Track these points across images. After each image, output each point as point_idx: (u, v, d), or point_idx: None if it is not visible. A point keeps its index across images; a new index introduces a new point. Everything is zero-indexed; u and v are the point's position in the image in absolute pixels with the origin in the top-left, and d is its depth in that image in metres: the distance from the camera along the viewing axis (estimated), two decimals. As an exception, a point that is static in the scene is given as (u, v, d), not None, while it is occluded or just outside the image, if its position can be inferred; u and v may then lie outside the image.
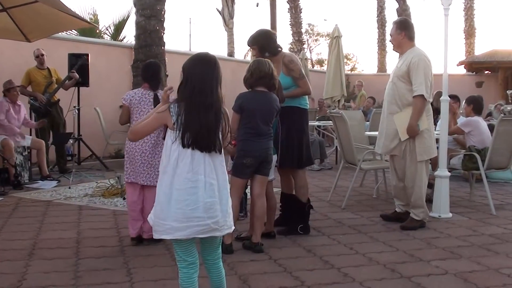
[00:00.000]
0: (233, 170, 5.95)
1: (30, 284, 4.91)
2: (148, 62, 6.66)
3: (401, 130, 6.94)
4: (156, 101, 6.16)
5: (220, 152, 3.76)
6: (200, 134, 3.62)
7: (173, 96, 3.92)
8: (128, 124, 6.41)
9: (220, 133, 3.74)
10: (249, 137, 5.83)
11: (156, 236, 3.75)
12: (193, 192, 3.61)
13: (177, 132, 3.63)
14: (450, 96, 8.33)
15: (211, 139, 3.65)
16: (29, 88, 11.41)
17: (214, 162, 3.72)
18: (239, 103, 5.85)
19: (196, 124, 3.61)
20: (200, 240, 3.80)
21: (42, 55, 11.53)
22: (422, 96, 6.79)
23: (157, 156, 6.08)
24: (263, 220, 6.07)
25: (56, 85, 11.50)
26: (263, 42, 6.79)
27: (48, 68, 11.63)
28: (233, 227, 3.92)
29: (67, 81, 11.60)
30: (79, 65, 11.70)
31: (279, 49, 6.86)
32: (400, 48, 7.20)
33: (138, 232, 6.29)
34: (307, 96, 6.92)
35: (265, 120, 5.89)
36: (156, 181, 6.17)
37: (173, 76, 11.06)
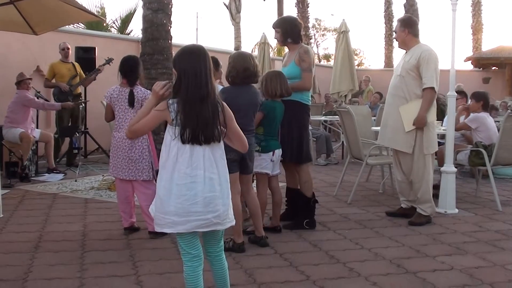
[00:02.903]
0: None
1: (36, 276, 4.93)
2: (126, 57, 6.57)
3: (406, 121, 6.99)
4: (131, 97, 6.19)
5: (219, 142, 3.75)
6: (198, 128, 3.60)
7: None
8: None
9: (219, 123, 3.72)
10: None
11: (157, 229, 3.76)
12: (192, 187, 3.61)
13: (176, 128, 3.61)
14: (457, 92, 8.32)
15: (209, 132, 3.64)
16: (53, 81, 11.57)
17: (214, 156, 3.72)
18: (223, 98, 5.77)
19: (193, 119, 3.60)
20: (202, 233, 3.80)
21: (68, 48, 11.72)
22: (432, 88, 6.88)
23: (137, 150, 6.18)
24: (259, 215, 6.01)
25: (78, 80, 11.63)
26: (287, 27, 6.90)
27: (72, 62, 11.74)
28: (234, 221, 3.91)
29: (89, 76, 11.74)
30: (106, 62, 11.70)
31: (301, 40, 6.95)
32: (405, 45, 7.25)
33: (130, 223, 6.42)
34: (310, 92, 6.92)
35: (250, 114, 5.83)
36: (138, 175, 6.22)
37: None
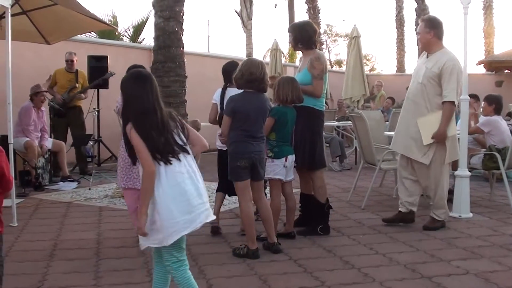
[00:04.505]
0: (230, 175, 5.88)
1: (51, 284, 4.95)
2: (132, 66, 6.39)
3: (424, 134, 6.79)
4: None
5: (187, 151, 3.86)
6: (154, 153, 3.68)
7: None
8: None
9: (179, 137, 3.84)
10: (242, 138, 5.72)
11: (173, 239, 3.73)
12: (189, 182, 3.75)
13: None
14: (470, 96, 8.28)
15: (165, 154, 3.72)
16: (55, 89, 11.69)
17: (190, 154, 3.89)
18: (231, 107, 5.77)
19: (153, 145, 3.68)
20: None
21: (72, 61, 11.67)
22: (453, 102, 6.71)
23: None
24: (271, 222, 5.98)
25: (78, 90, 11.65)
26: (297, 32, 6.91)
27: (77, 71, 11.74)
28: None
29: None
30: (108, 75, 11.77)
31: (313, 45, 6.91)
32: (428, 47, 6.98)
33: None
34: (323, 98, 6.90)
35: (259, 121, 5.83)
36: None
37: (192, 77, 11.10)
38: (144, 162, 3.70)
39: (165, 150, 3.71)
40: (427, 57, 7.02)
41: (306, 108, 6.55)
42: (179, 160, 3.75)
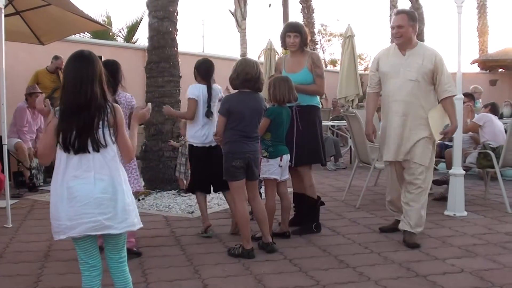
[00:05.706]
0: (225, 175, 5.87)
1: (46, 285, 4.96)
2: (104, 61, 5.85)
3: (436, 130, 6.33)
4: None
5: (99, 149, 3.63)
6: (70, 137, 3.56)
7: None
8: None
9: (103, 130, 3.63)
10: (237, 138, 5.76)
11: (55, 237, 3.71)
12: (82, 188, 3.56)
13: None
14: (464, 95, 8.29)
15: (83, 142, 3.58)
16: None
17: (105, 158, 3.65)
18: (226, 107, 5.78)
19: (67, 128, 3.56)
20: (104, 242, 3.82)
21: (61, 69, 11.56)
22: (453, 95, 6.41)
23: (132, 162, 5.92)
24: (266, 221, 5.99)
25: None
26: (306, 33, 6.95)
27: (58, 71, 11.67)
28: (138, 226, 3.82)
29: None
30: None
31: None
32: (409, 43, 6.38)
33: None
34: (318, 96, 6.97)
35: (254, 121, 5.85)
36: (132, 186, 6.08)
37: (186, 78, 11.07)
38: (40, 147, 3.82)
39: (75, 144, 3.57)
40: (404, 54, 6.44)
41: (312, 107, 6.75)
42: (86, 159, 3.60)
